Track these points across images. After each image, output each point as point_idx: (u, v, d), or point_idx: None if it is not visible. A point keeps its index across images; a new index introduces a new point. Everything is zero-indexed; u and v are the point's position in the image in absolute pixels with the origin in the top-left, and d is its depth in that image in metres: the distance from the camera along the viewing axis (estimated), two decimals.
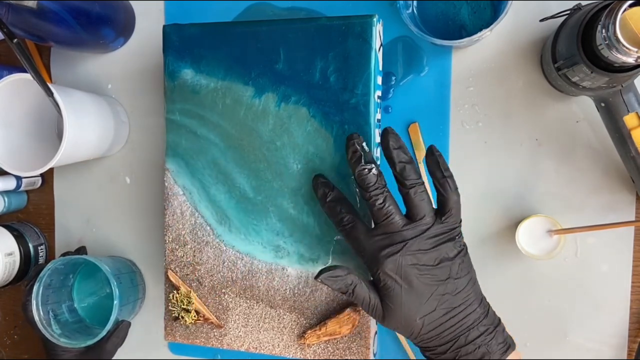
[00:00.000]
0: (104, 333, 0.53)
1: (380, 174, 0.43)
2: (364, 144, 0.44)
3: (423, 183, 0.43)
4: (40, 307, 0.54)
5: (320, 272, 0.42)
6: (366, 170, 0.42)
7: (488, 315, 0.43)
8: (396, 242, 0.42)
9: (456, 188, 0.43)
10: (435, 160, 0.43)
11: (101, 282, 0.61)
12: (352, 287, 0.42)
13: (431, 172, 0.43)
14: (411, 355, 0.55)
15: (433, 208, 0.43)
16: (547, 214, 0.51)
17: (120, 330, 0.55)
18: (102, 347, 0.54)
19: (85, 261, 0.57)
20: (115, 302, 0.53)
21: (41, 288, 0.54)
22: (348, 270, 0.43)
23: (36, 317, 0.53)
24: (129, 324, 0.56)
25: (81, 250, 0.61)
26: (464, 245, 0.44)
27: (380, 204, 0.42)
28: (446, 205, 0.43)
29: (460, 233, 0.44)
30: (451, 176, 0.43)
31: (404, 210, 0.43)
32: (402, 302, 0.41)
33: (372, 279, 0.44)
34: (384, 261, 0.41)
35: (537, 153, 0.52)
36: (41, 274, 0.54)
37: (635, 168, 0.46)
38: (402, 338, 0.55)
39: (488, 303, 0.44)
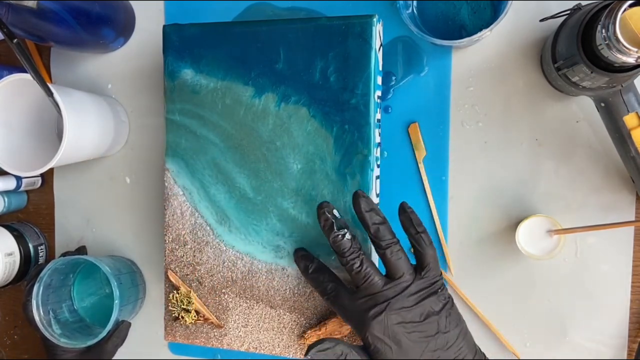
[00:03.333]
0: (104, 333, 0.53)
1: (354, 237, 0.43)
2: (335, 211, 0.45)
3: (398, 242, 0.43)
4: (40, 307, 0.54)
5: (309, 348, 0.42)
6: (340, 236, 0.43)
7: None
8: (379, 302, 0.42)
9: (431, 242, 0.43)
10: (408, 217, 0.44)
11: (101, 281, 0.61)
12: (344, 356, 0.42)
13: (405, 229, 0.44)
14: None
15: (411, 265, 0.43)
16: (547, 214, 0.51)
17: (121, 330, 0.55)
18: (103, 347, 0.54)
19: (86, 261, 0.57)
20: (115, 302, 0.53)
21: (41, 288, 0.54)
22: (336, 341, 0.42)
23: (36, 317, 0.53)
24: (129, 324, 0.56)
25: (81, 250, 0.61)
26: (449, 297, 0.44)
27: (358, 267, 0.42)
28: (424, 260, 0.43)
29: (442, 286, 0.44)
30: (425, 231, 0.44)
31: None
32: None
33: (362, 343, 0.43)
34: (370, 323, 0.41)
35: (537, 153, 0.52)
36: (41, 274, 0.54)
37: (635, 168, 0.46)
38: None
39: (483, 353, 0.44)
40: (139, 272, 0.61)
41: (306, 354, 0.42)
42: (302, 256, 0.48)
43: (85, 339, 0.54)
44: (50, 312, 0.56)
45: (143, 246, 0.62)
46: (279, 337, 0.52)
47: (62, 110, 0.49)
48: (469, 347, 0.43)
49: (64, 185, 0.64)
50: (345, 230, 0.43)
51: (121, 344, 0.55)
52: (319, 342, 0.42)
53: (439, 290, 0.43)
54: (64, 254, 0.59)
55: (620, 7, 0.36)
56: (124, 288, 0.56)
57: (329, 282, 0.46)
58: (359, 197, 0.43)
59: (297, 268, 0.49)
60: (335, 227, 0.43)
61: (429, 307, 0.42)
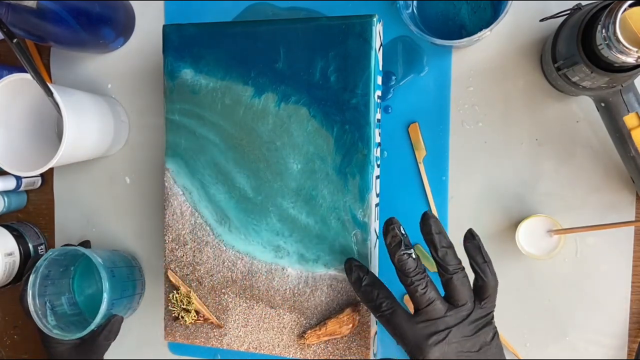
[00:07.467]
0: (93, 326, 0.52)
1: (418, 258, 0.42)
2: (402, 228, 0.43)
3: (464, 268, 0.42)
4: (36, 298, 0.53)
5: None
6: (406, 255, 0.41)
7: None
8: (440, 329, 0.41)
9: (495, 274, 0.43)
10: (477, 245, 0.43)
11: (99, 275, 0.61)
12: None
13: (471, 257, 0.43)
14: None
15: (472, 293, 0.43)
16: (547, 214, 0.51)
17: (113, 324, 0.55)
18: (95, 340, 0.53)
19: (84, 254, 0.56)
20: (104, 294, 0.53)
21: (38, 278, 0.54)
22: None
23: (31, 308, 0.53)
24: (121, 318, 0.56)
25: (85, 243, 0.61)
26: (496, 327, 0.44)
27: (423, 289, 0.41)
28: (486, 290, 0.42)
29: (493, 316, 0.44)
30: (490, 262, 0.43)
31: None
32: None
33: None
34: (430, 350, 0.41)
35: (537, 153, 0.52)
36: (38, 264, 0.54)
37: (635, 168, 0.46)
38: None
39: None
40: (138, 267, 0.61)
41: None
42: (357, 266, 0.45)
43: (78, 331, 0.53)
44: (47, 303, 0.55)
45: (143, 246, 0.62)
46: (278, 337, 0.52)
47: (62, 110, 0.49)
48: None
49: (64, 185, 0.64)
50: (412, 249, 0.42)
51: (113, 339, 0.55)
52: None
53: (492, 321, 0.43)
54: (65, 246, 0.59)
55: (620, 7, 0.36)
56: (118, 281, 0.55)
57: (384, 299, 0.43)
58: (429, 218, 0.42)
59: (293, 267, 0.48)
60: (402, 245, 0.42)
61: (483, 337, 0.42)
